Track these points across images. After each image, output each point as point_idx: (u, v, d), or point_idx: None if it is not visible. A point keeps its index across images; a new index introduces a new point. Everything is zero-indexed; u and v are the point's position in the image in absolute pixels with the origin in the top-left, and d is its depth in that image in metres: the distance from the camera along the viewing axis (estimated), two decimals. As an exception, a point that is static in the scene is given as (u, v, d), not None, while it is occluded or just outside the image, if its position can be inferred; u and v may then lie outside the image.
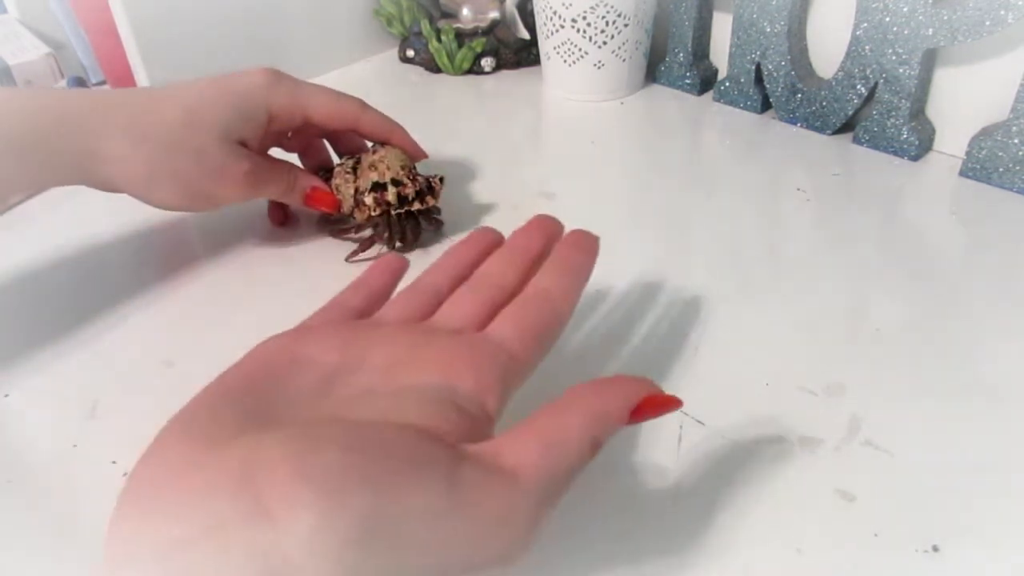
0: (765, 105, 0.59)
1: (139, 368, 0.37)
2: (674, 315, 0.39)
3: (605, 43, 0.59)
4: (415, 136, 0.47)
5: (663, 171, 0.53)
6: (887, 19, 0.49)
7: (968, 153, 0.50)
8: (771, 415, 0.33)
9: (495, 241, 0.32)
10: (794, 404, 0.34)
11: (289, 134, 0.47)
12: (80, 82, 0.63)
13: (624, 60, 0.61)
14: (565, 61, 0.61)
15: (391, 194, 0.42)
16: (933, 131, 0.53)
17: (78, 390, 0.36)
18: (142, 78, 0.57)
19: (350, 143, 0.47)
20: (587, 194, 0.51)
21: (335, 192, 0.44)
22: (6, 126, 0.35)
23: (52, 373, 0.37)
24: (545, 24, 0.61)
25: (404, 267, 0.32)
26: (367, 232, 0.44)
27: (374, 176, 0.42)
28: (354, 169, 0.44)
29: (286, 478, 0.19)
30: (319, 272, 0.44)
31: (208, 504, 0.19)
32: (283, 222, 0.48)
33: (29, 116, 0.36)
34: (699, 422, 0.33)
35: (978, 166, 0.49)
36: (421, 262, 0.44)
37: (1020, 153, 0.47)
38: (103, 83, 0.66)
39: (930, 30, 0.48)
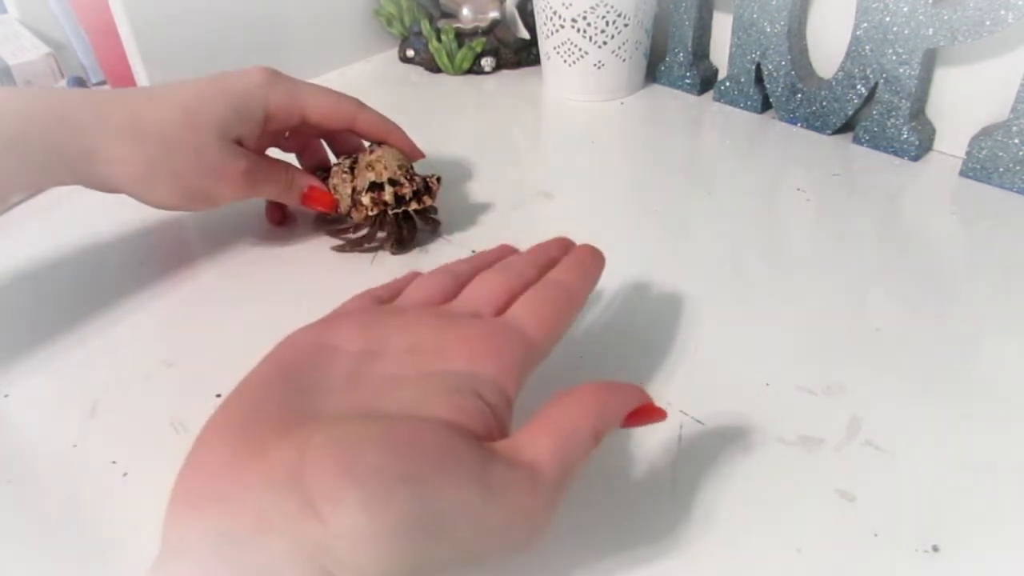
0: (765, 105, 0.59)
1: (139, 368, 0.37)
2: (674, 315, 0.39)
3: (605, 43, 0.59)
4: (414, 136, 0.47)
5: (663, 171, 0.53)
6: (887, 19, 0.49)
7: (968, 153, 0.50)
8: (771, 415, 0.33)
9: (515, 251, 0.35)
10: (794, 404, 0.34)
11: (287, 134, 0.47)
12: (80, 82, 0.63)
13: (624, 60, 0.61)
14: (565, 61, 0.61)
15: (388, 194, 0.42)
16: (933, 131, 0.53)
17: (78, 390, 0.36)
18: (142, 78, 0.57)
19: (347, 143, 0.47)
20: (587, 194, 0.51)
21: (332, 192, 0.44)
22: (5, 126, 0.35)
23: (52, 373, 0.37)
24: (545, 24, 0.61)
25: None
26: (364, 231, 0.44)
27: (371, 176, 0.42)
28: (351, 169, 0.44)
29: (333, 478, 0.20)
30: (317, 271, 0.44)
31: (258, 501, 0.20)
32: (281, 222, 0.48)
33: (28, 116, 0.36)
34: (699, 422, 0.33)
35: (978, 166, 0.49)
36: (420, 262, 0.44)
37: (1020, 153, 0.47)
38: (103, 83, 0.66)
39: (930, 30, 0.48)
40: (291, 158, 0.46)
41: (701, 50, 0.63)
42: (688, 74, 0.63)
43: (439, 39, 0.68)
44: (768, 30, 0.55)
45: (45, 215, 0.50)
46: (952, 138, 0.52)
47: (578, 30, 0.59)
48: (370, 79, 0.69)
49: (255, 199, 0.44)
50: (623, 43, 0.60)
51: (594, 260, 0.32)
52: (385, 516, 0.19)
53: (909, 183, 0.50)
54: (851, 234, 0.45)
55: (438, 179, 0.44)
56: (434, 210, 0.46)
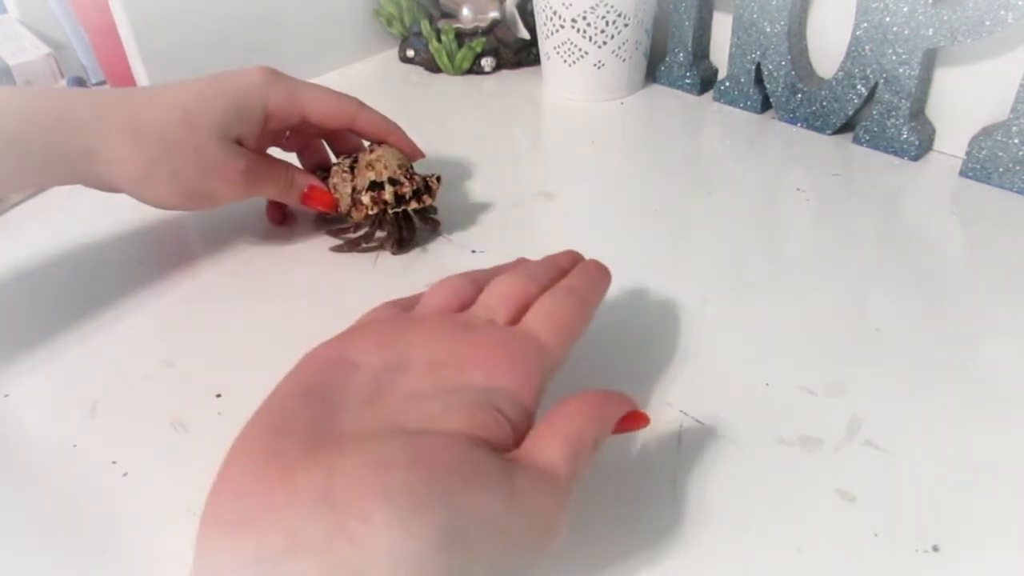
0: (765, 105, 0.59)
1: (139, 368, 0.37)
2: (674, 315, 0.39)
3: (605, 43, 0.59)
4: (414, 136, 0.47)
5: (663, 171, 0.53)
6: (887, 19, 0.49)
7: (968, 153, 0.50)
8: (771, 415, 0.33)
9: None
10: (794, 404, 0.34)
11: (287, 133, 0.47)
12: (80, 82, 0.63)
13: (624, 60, 0.61)
14: (565, 61, 0.61)
15: (388, 193, 0.42)
16: (933, 131, 0.53)
17: (78, 390, 0.36)
18: (142, 78, 0.57)
19: (347, 143, 0.47)
20: (587, 194, 0.51)
21: (332, 191, 0.44)
22: (5, 126, 0.35)
23: (52, 373, 0.37)
24: (545, 24, 0.61)
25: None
26: (363, 231, 0.44)
27: (371, 175, 0.42)
28: (351, 168, 0.44)
29: (364, 498, 0.20)
30: (317, 271, 0.44)
31: (288, 523, 0.20)
32: (281, 221, 0.48)
33: (28, 116, 0.36)
34: (699, 422, 0.33)
35: (978, 166, 0.49)
36: (419, 262, 0.44)
37: (1020, 153, 0.47)
38: (103, 83, 0.66)
39: (930, 30, 0.48)
40: (292, 158, 0.46)
41: (701, 50, 0.63)
42: (688, 74, 0.63)
43: (439, 39, 0.68)
44: (768, 30, 0.55)
45: (45, 215, 0.50)
46: (952, 138, 0.52)
47: (578, 30, 0.59)
48: (370, 79, 0.69)
49: (255, 198, 0.44)
50: (623, 43, 0.60)
51: (602, 273, 0.33)
52: (417, 534, 0.20)
53: (909, 183, 0.50)
54: (851, 234, 0.45)
55: (438, 178, 0.44)
56: (434, 210, 0.46)
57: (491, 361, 0.26)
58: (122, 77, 0.60)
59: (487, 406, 0.24)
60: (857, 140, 0.54)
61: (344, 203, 0.44)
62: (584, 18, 0.58)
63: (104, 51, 0.63)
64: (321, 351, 0.27)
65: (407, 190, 0.42)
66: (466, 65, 0.68)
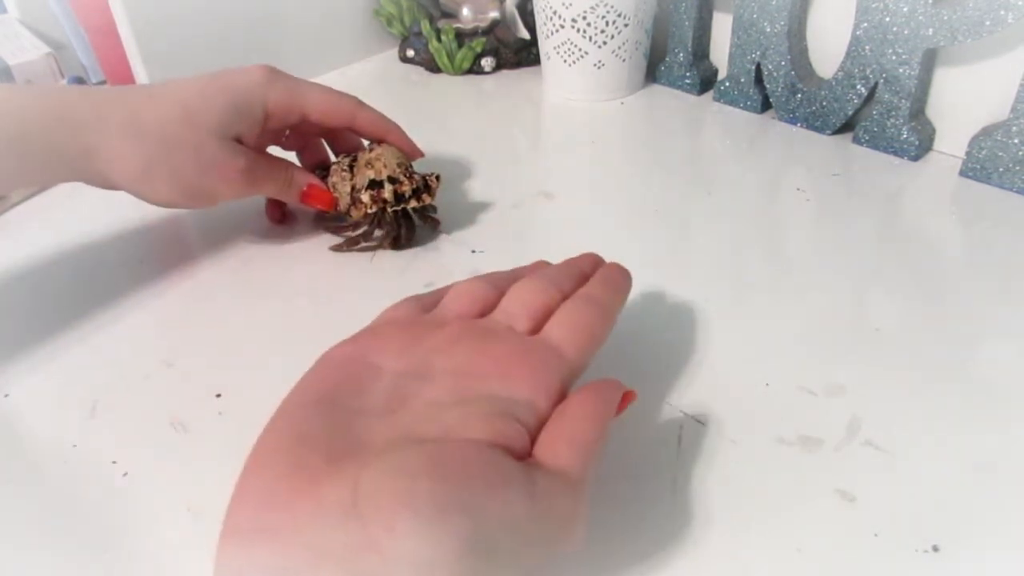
0: (765, 105, 0.59)
1: (139, 368, 0.37)
2: (674, 315, 0.39)
3: (605, 43, 0.59)
4: (414, 136, 0.47)
5: (663, 171, 0.53)
6: (887, 19, 0.49)
7: (968, 153, 0.50)
8: (771, 415, 0.33)
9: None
10: (794, 404, 0.34)
11: (287, 133, 0.47)
12: (80, 82, 0.63)
13: (624, 60, 0.61)
14: (565, 61, 0.61)
15: (388, 191, 0.42)
16: (933, 131, 0.53)
17: (78, 390, 0.36)
18: (142, 78, 0.57)
19: (347, 142, 0.47)
20: (587, 194, 0.51)
21: (332, 190, 0.44)
22: (5, 126, 0.35)
23: (52, 372, 0.37)
24: (545, 24, 0.61)
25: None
26: (362, 230, 0.44)
27: (371, 173, 0.42)
28: (351, 167, 0.44)
29: (389, 507, 0.20)
30: (317, 270, 0.44)
31: (312, 534, 0.20)
32: (281, 220, 0.48)
33: (28, 116, 0.36)
34: (699, 422, 0.33)
35: (978, 166, 0.49)
36: (419, 261, 0.44)
37: (1020, 153, 0.47)
38: (103, 83, 0.66)
39: (930, 30, 0.48)
40: (291, 157, 0.46)
41: (701, 50, 0.63)
42: (688, 74, 0.63)
43: (439, 39, 0.68)
44: (768, 30, 0.55)
45: (45, 215, 0.50)
46: (952, 138, 0.52)
47: (578, 30, 0.59)
48: (370, 79, 0.69)
49: (255, 197, 0.44)
50: (623, 43, 0.60)
51: (624, 278, 0.32)
52: (443, 542, 0.20)
53: (909, 183, 0.50)
54: (851, 234, 0.45)
55: (437, 177, 0.44)
56: (433, 209, 0.46)
57: (511, 372, 0.26)
58: (122, 77, 0.60)
59: (506, 416, 0.24)
60: (857, 140, 0.54)
61: (343, 202, 0.44)
62: (584, 18, 0.58)
63: (104, 51, 0.63)
64: (341, 351, 0.27)
65: (406, 188, 0.42)
66: (466, 65, 0.68)
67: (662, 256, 0.44)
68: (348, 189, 0.43)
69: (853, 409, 0.33)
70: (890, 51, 0.50)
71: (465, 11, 0.68)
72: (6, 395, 0.36)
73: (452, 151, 0.55)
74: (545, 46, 0.63)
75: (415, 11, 0.70)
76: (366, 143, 0.46)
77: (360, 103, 0.44)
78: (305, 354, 0.28)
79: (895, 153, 0.53)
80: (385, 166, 0.43)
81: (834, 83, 0.54)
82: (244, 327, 0.40)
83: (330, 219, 0.47)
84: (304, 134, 0.47)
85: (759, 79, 0.58)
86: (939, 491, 0.29)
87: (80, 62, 0.67)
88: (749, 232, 0.46)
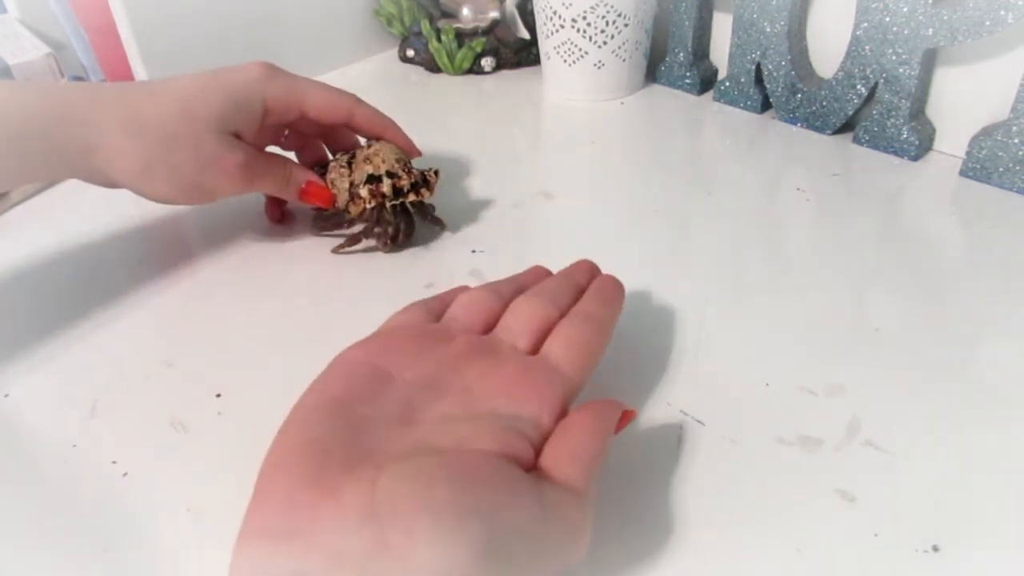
0: (765, 105, 0.59)
1: (139, 368, 0.37)
2: (674, 315, 0.39)
3: (605, 43, 0.59)
4: (414, 136, 0.47)
5: (663, 171, 0.53)
6: (887, 19, 0.49)
7: (968, 153, 0.50)
8: (771, 415, 0.33)
9: (548, 274, 0.36)
10: (794, 404, 0.34)
11: (286, 132, 0.47)
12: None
13: (624, 60, 0.61)
14: (565, 61, 0.61)
15: (386, 186, 0.42)
16: (933, 131, 0.53)
17: (78, 389, 0.36)
18: (142, 78, 0.57)
19: (345, 142, 0.47)
20: (587, 194, 0.51)
21: (330, 186, 0.44)
22: (5, 124, 0.35)
23: (52, 372, 0.37)
24: (545, 24, 0.61)
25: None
26: (359, 227, 0.44)
27: (369, 168, 0.43)
28: (349, 164, 0.44)
29: (408, 513, 0.20)
30: (317, 269, 0.44)
31: (330, 538, 0.20)
32: (280, 219, 0.48)
33: (28, 114, 0.36)
34: (699, 422, 0.33)
35: (978, 166, 0.49)
36: (419, 260, 0.44)
37: (1020, 153, 0.47)
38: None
39: (930, 30, 0.48)
40: (290, 156, 0.46)
41: (701, 50, 0.63)
42: (688, 74, 0.63)
43: (439, 39, 0.68)
44: (768, 30, 0.55)
45: (45, 214, 0.50)
46: (952, 138, 0.52)
47: (578, 30, 0.59)
48: (370, 79, 0.69)
49: (255, 197, 0.44)
50: (623, 43, 0.60)
51: (618, 291, 0.33)
52: (460, 548, 0.20)
53: (909, 183, 0.50)
54: (851, 234, 0.45)
55: (436, 172, 0.44)
56: (433, 209, 0.46)
57: (516, 391, 0.27)
58: (122, 77, 0.60)
59: (513, 430, 0.25)
60: (857, 140, 0.54)
61: (342, 198, 0.44)
62: (584, 18, 0.58)
63: (104, 51, 0.62)
64: (352, 355, 0.28)
65: (405, 183, 0.42)
66: (466, 65, 0.68)
67: (662, 256, 0.44)
68: (346, 185, 0.43)
69: (853, 409, 0.33)
70: (890, 51, 0.50)
71: (465, 11, 0.68)
72: (6, 395, 0.36)
73: (452, 151, 0.55)
74: (545, 46, 0.63)
75: (415, 11, 0.70)
76: (363, 141, 0.46)
77: (358, 100, 0.44)
78: (305, 354, 0.28)
79: (895, 153, 0.53)
80: (383, 161, 0.43)
81: (834, 83, 0.54)
82: (244, 327, 0.40)
83: (327, 219, 0.47)
84: (302, 134, 0.47)
85: (759, 79, 0.58)
86: (939, 491, 0.29)
87: (80, 62, 0.67)
88: (749, 232, 0.46)
